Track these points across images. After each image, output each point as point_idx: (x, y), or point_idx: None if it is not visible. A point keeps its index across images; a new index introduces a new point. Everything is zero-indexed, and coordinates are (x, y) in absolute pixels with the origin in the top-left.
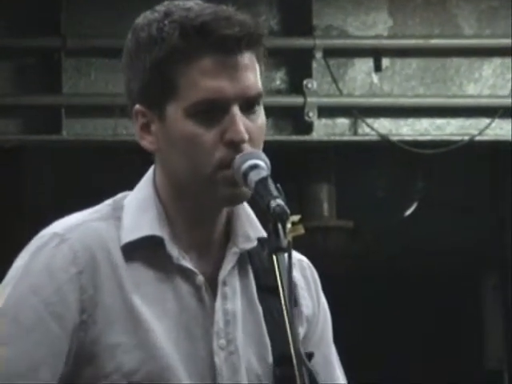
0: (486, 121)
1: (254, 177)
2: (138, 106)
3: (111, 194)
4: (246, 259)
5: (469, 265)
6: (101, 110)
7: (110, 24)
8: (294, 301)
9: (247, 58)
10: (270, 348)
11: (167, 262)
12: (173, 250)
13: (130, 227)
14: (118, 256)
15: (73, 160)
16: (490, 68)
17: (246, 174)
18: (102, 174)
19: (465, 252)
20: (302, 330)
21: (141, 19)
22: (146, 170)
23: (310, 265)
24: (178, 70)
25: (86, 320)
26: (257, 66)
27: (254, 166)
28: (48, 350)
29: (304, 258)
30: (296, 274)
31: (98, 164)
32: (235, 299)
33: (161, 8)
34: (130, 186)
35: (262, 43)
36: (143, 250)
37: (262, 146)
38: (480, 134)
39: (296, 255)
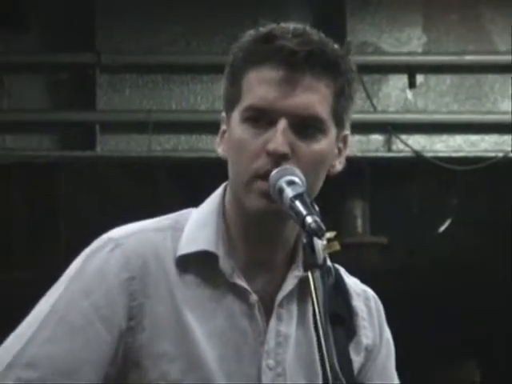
0: None
1: (289, 193)
2: (223, 113)
3: (144, 209)
4: (307, 285)
5: (503, 280)
6: (135, 126)
7: (144, 40)
8: (352, 329)
9: (311, 80)
10: (320, 375)
11: (220, 278)
12: (227, 267)
13: (188, 240)
14: (172, 267)
15: (107, 176)
16: None
17: (281, 190)
18: (135, 189)
19: (498, 268)
20: (358, 359)
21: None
22: (179, 187)
23: (375, 296)
24: (243, 73)
25: (134, 327)
26: (324, 93)
27: (290, 182)
28: (92, 352)
29: (369, 289)
30: (359, 304)
31: (131, 180)
32: (290, 322)
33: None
34: (162, 201)
35: (342, 75)
36: (197, 265)
37: (315, 175)
38: None
39: (361, 286)
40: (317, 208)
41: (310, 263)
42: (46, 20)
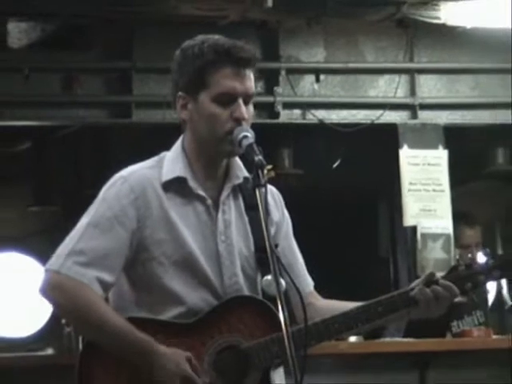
0: (381, 111)
1: (245, 142)
2: (180, 93)
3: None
4: (238, 190)
5: (370, 194)
6: (155, 104)
7: (163, 52)
8: (267, 213)
9: (249, 72)
10: (252, 241)
11: (190, 192)
12: (193, 184)
13: (167, 171)
14: (160, 189)
15: (137, 136)
16: (382, 80)
17: (240, 141)
18: (155, 145)
19: (366, 187)
20: (272, 230)
21: (186, 43)
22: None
23: (278, 192)
24: (210, 73)
25: (141, 226)
26: (253, 77)
27: (245, 136)
28: (116, 243)
29: (274, 188)
30: (269, 197)
31: (153, 139)
32: (230, 213)
33: (198, 38)
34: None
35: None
36: (175, 186)
37: (250, 124)
38: (377, 119)
39: (269, 186)
40: (261, 152)
41: (257, 184)
42: (100, 40)
